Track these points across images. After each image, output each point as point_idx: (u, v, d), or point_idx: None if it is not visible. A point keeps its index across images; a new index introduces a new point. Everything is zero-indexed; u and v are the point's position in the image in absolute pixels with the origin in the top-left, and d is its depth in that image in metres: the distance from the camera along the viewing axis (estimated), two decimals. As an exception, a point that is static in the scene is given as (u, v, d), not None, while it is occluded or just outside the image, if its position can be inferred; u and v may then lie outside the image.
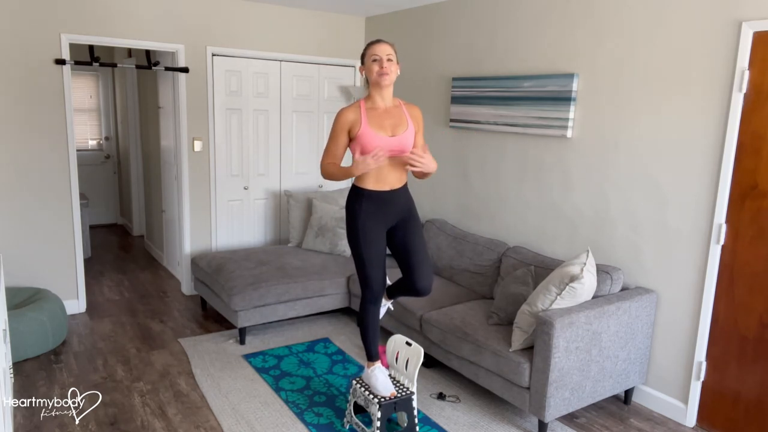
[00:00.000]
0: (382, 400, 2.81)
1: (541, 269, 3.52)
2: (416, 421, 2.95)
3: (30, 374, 3.52)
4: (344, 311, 4.70)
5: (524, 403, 3.02)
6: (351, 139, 2.74)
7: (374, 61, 2.69)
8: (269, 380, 3.53)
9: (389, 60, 2.70)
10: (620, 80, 3.39)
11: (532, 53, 3.90)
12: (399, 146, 2.73)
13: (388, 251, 2.94)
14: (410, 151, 2.72)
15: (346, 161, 2.84)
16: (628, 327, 3.14)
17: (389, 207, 2.81)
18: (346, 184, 5.25)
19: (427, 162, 2.73)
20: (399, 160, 2.78)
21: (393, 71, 2.71)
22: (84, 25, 4.21)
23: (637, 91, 3.31)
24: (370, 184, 2.78)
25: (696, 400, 3.18)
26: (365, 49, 2.76)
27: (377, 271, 2.86)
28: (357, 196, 2.81)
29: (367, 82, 2.80)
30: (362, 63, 2.78)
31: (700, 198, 3.06)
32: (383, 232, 2.86)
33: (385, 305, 3.16)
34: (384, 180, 2.76)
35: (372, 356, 2.98)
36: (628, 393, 3.40)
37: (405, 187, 2.89)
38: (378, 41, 2.76)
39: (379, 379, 2.89)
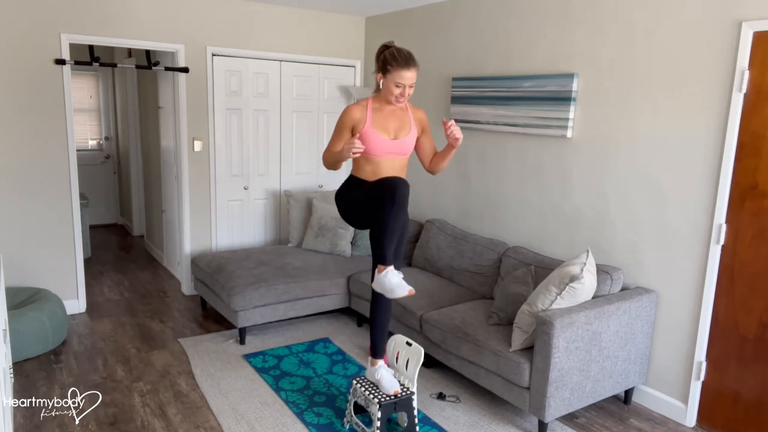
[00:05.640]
0: (387, 398, 2.81)
1: (541, 269, 3.52)
2: (416, 421, 2.95)
3: (30, 374, 3.52)
4: (344, 311, 4.70)
5: (524, 403, 3.02)
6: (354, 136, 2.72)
7: (397, 86, 2.64)
8: (269, 380, 3.53)
9: (410, 86, 2.66)
10: (620, 80, 3.39)
11: (532, 53, 3.90)
12: (399, 149, 2.78)
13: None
14: (449, 125, 2.64)
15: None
16: (628, 327, 3.14)
17: None
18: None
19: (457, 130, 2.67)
20: (399, 162, 2.80)
21: (409, 95, 2.69)
22: (84, 25, 4.20)
23: (637, 91, 3.31)
24: (368, 177, 2.77)
25: (696, 400, 3.18)
26: (391, 64, 2.62)
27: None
28: (352, 183, 2.83)
29: (378, 86, 2.73)
30: (381, 69, 2.66)
31: (700, 198, 3.06)
32: None
33: (398, 275, 2.63)
34: (381, 176, 2.74)
35: (377, 353, 2.95)
36: (628, 393, 3.40)
37: None
38: (409, 64, 2.62)
39: (385, 378, 2.89)
